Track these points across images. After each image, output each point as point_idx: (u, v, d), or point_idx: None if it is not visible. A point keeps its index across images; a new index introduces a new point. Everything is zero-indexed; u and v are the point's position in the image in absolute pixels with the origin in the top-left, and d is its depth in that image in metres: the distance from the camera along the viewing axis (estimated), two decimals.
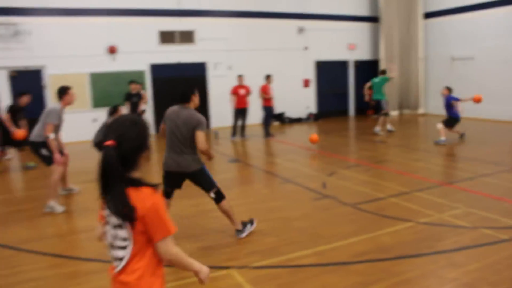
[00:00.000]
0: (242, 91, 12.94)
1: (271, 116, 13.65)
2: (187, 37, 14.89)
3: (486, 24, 15.93)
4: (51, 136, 6.30)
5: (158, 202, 2.01)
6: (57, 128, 6.49)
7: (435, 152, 10.31)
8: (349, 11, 18.11)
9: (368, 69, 18.13)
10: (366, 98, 14.20)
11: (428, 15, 18.20)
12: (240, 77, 13.10)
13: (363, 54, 18.80)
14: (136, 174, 2.07)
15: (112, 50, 13.74)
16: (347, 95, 18.78)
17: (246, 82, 13.39)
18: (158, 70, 14.63)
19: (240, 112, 12.99)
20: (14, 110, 9.59)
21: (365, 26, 18.67)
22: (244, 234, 5.27)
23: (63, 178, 7.27)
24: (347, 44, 18.23)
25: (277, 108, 14.84)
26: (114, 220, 2.03)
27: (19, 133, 9.17)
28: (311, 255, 4.69)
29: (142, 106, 12.75)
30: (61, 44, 13.06)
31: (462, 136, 11.84)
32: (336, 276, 4.20)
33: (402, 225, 5.48)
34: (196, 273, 2.23)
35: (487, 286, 3.95)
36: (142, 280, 2.03)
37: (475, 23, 16.32)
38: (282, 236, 5.26)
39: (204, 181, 5.14)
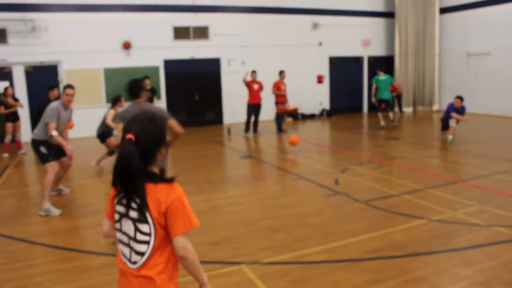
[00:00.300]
0: (255, 86, 12.93)
1: (283, 114, 13.62)
2: (201, 32, 14.93)
3: (503, 19, 15.69)
4: (54, 133, 6.18)
5: (182, 194, 2.02)
6: (58, 127, 6.32)
7: (448, 149, 10.21)
8: (364, 6, 17.97)
9: (383, 65, 17.98)
10: (373, 99, 13.94)
11: (444, 10, 18.00)
12: (253, 72, 13.09)
13: (378, 50, 18.66)
14: (154, 169, 2.07)
15: (126, 46, 13.83)
16: (361, 91, 18.67)
17: (260, 78, 13.38)
18: (172, 65, 14.70)
19: (254, 107, 12.99)
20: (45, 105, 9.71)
21: (380, 21, 18.52)
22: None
23: (58, 179, 7.10)
24: (361, 40, 18.11)
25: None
26: (134, 214, 2.02)
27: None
28: (323, 251, 4.68)
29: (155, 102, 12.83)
30: (76, 40, 13.19)
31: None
32: (347, 273, 4.19)
33: (415, 222, 5.44)
34: (202, 284, 2.15)
35: (500, 284, 3.91)
36: (163, 274, 2.03)
37: (492, 18, 16.10)
38: (293, 232, 5.26)
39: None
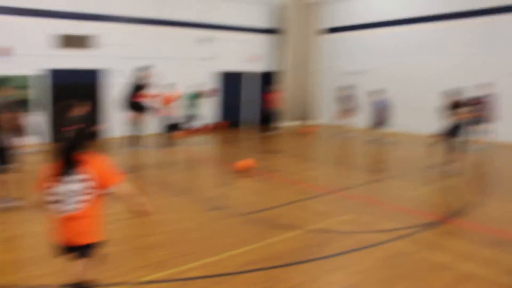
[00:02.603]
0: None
1: (170, 126, 13.46)
2: (86, 42, 14.22)
3: (376, 42, 17.20)
4: None
5: (108, 162, 3.25)
6: None
7: (326, 162, 10.82)
8: (251, 22, 18.49)
9: (270, 80, 18.58)
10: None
11: (325, 31, 19.22)
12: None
13: (266, 65, 19.27)
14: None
15: (3, 52, 12.68)
16: (247, 105, 19.08)
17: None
18: (56, 75, 13.75)
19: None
20: None
21: (267, 38, 19.18)
22: None
23: None
24: (250, 55, 18.57)
25: (176, 118, 14.63)
26: (80, 177, 3.12)
27: None
28: (200, 267, 4.66)
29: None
30: None
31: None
32: (226, 286, 4.21)
33: (292, 233, 5.66)
34: (142, 204, 3.51)
35: (368, 286, 4.21)
36: (96, 215, 3.28)
37: (366, 41, 17.57)
38: (173, 249, 5.18)
39: None
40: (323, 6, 19.17)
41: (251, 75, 18.94)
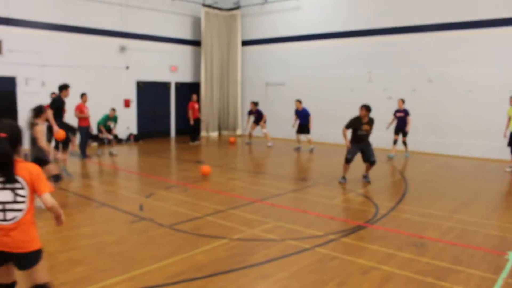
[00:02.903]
0: None
1: (87, 137, 12.93)
2: None
3: (294, 54, 17.75)
4: None
5: (39, 169, 3.20)
6: None
7: (250, 171, 10.92)
8: (172, 33, 18.35)
9: (190, 91, 18.49)
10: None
11: (245, 42, 19.54)
12: (53, 94, 12.16)
13: (185, 76, 19.18)
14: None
15: None
16: (169, 116, 18.87)
17: None
18: None
19: (50, 131, 12.00)
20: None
21: (187, 49, 19.11)
22: None
23: None
24: (169, 66, 18.39)
25: (95, 128, 14.10)
26: (14, 185, 3.07)
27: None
28: (125, 280, 4.50)
29: None
30: None
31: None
32: None
33: (217, 243, 5.63)
34: (60, 214, 3.38)
35: None
36: (33, 223, 3.20)
37: (283, 54, 18.08)
38: (94, 263, 4.95)
39: None
40: (244, 18, 19.49)
41: (175, 85, 18.77)
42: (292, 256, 5.23)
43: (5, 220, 3.06)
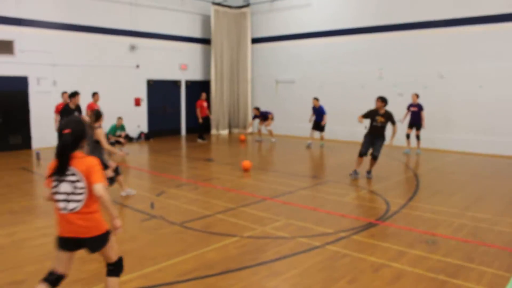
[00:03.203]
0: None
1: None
2: (5, 47, 13.43)
3: (304, 52, 17.70)
4: None
5: (95, 161, 3.40)
6: None
7: (260, 169, 10.92)
8: (181, 31, 18.40)
9: (200, 89, 18.54)
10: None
11: (255, 40, 19.52)
12: (65, 94, 12.26)
13: (195, 74, 19.22)
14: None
15: None
16: (179, 114, 18.93)
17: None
18: None
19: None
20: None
21: (197, 47, 19.15)
22: None
23: None
24: (179, 64, 18.44)
25: (106, 127, 14.18)
26: (72, 178, 3.32)
27: None
28: (137, 278, 4.54)
29: None
30: None
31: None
32: None
33: (228, 240, 5.65)
34: (113, 218, 3.43)
35: None
36: (97, 211, 3.42)
37: (295, 51, 18.06)
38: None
39: None
40: (254, 16, 19.47)
41: (185, 83, 18.82)
42: (302, 253, 5.24)
43: (69, 209, 3.35)
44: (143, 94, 17.28)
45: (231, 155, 13.94)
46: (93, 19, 15.36)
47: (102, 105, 13.00)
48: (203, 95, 16.84)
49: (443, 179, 9.83)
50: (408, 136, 13.51)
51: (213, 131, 19.19)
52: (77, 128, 3.39)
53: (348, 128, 16.11)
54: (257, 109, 16.81)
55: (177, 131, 18.95)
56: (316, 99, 15.11)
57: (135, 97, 16.98)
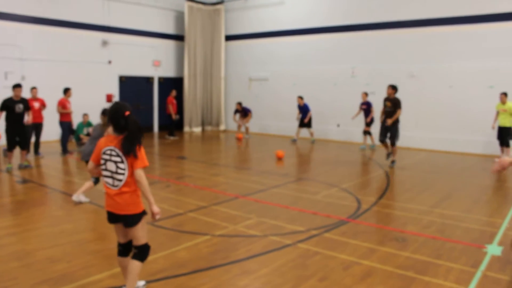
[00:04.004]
0: (36, 105, 11.83)
1: (69, 132, 12.77)
2: None
3: (277, 49, 17.73)
4: None
5: (140, 147, 3.69)
6: None
7: (233, 167, 10.91)
8: (155, 27, 18.20)
9: (172, 86, 18.39)
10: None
11: (229, 37, 19.45)
12: (34, 89, 11.97)
13: (168, 71, 19.05)
14: None
15: None
16: (152, 111, 18.73)
17: (43, 95, 12.33)
18: None
19: (34, 127, 11.84)
20: None
21: (170, 43, 18.98)
22: None
23: None
24: (152, 60, 18.24)
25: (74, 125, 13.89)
26: (117, 159, 3.65)
27: None
28: (107, 278, 4.47)
29: None
30: None
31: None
32: None
33: (199, 239, 5.61)
34: (150, 203, 3.74)
35: (279, 287, 4.28)
36: (136, 190, 3.72)
37: (269, 48, 18.04)
38: (75, 261, 4.90)
39: None
40: (228, 13, 19.40)
41: (158, 80, 18.63)
42: (274, 252, 5.24)
43: (113, 185, 3.70)
44: (115, 90, 17.03)
45: (204, 152, 13.87)
46: (64, 13, 15.05)
47: (73, 101, 12.75)
48: (173, 92, 16.77)
49: (413, 177, 10.01)
50: (365, 133, 14.25)
51: (186, 129, 19.07)
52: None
53: (321, 126, 16.24)
54: (240, 104, 16.99)
55: (149, 128, 18.75)
56: (300, 97, 15.47)
57: (107, 93, 16.71)
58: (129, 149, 3.62)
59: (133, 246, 3.86)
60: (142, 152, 3.70)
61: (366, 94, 14.31)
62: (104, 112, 7.36)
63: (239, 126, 17.33)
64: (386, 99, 10.77)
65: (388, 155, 10.98)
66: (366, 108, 14.18)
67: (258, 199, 7.69)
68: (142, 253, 3.83)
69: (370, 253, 5.21)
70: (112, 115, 3.70)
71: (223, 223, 6.29)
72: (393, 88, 10.70)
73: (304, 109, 15.43)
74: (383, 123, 10.73)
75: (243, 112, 16.93)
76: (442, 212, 7.04)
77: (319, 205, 7.44)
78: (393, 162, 10.98)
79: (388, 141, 10.75)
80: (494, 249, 5.38)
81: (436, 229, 6.19)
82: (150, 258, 4.96)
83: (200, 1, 19.24)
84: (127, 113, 3.70)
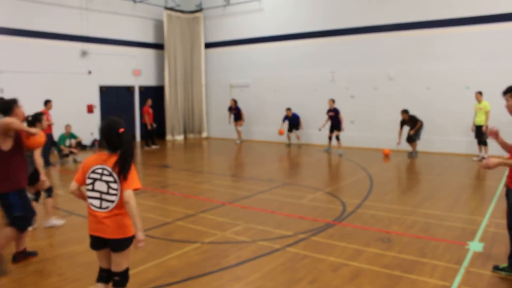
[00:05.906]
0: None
1: (51, 144, 12.66)
2: None
3: (257, 56, 17.87)
4: None
5: (132, 167, 3.44)
6: None
7: (218, 174, 10.96)
8: (134, 37, 18.17)
9: (153, 95, 18.36)
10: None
11: (208, 45, 19.53)
12: None
13: (148, 80, 19.01)
14: None
15: None
16: (133, 120, 18.66)
17: (23, 107, 12.17)
18: None
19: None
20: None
21: (150, 52, 18.96)
22: None
23: None
24: (132, 70, 18.20)
25: (56, 136, 13.77)
26: (109, 178, 3.40)
27: None
28: None
29: None
30: None
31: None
32: None
33: (189, 247, 5.66)
34: (137, 229, 3.38)
35: None
36: (126, 214, 3.42)
37: (249, 55, 18.16)
38: (66, 274, 4.91)
39: None
40: (207, 20, 19.49)
41: (138, 89, 18.57)
42: (264, 257, 5.33)
43: (101, 208, 3.41)
44: (95, 100, 16.93)
45: (187, 160, 13.89)
46: (41, 24, 14.94)
47: (53, 113, 12.66)
48: (149, 101, 16.68)
49: (395, 178, 10.21)
50: (330, 138, 14.59)
51: (169, 137, 19.04)
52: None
53: (302, 131, 16.39)
54: (235, 101, 17.48)
55: (131, 137, 18.64)
56: (288, 109, 15.92)
57: (88, 103, 16.61)
58: (126, 169, 3.38)
59: (112, 272, 3.56)
60: (134, 172, 3.45)
61: (333, 101, 14.46)
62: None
63: (238, 133, 17.60)
64: (404, 123, 13.35)
65: (411, 153, 13.38)
66: (334, 115, 14.31)
67: (245, 205, 7.77)
68: (124, 279, 3.59)
69: (357, 254, 5.34)
70: (106, 132, 3.47)
71: (211, 230, 6.35)
72: (405, 112, 13.25)
73: (294, 120, 15.95)
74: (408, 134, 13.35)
75: (237, 111, 17.29)
76: (425, 211, 7.22)
77: (305, 209, 7.55)
78: (414, 153, 13.42)
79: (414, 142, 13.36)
80: (475, 246, 5.56)
81: (420, 228, 6.35)
82: (142, 267, 5.01)
83: (178, 9, 19.29)
84: (122, 130, 3.48)
